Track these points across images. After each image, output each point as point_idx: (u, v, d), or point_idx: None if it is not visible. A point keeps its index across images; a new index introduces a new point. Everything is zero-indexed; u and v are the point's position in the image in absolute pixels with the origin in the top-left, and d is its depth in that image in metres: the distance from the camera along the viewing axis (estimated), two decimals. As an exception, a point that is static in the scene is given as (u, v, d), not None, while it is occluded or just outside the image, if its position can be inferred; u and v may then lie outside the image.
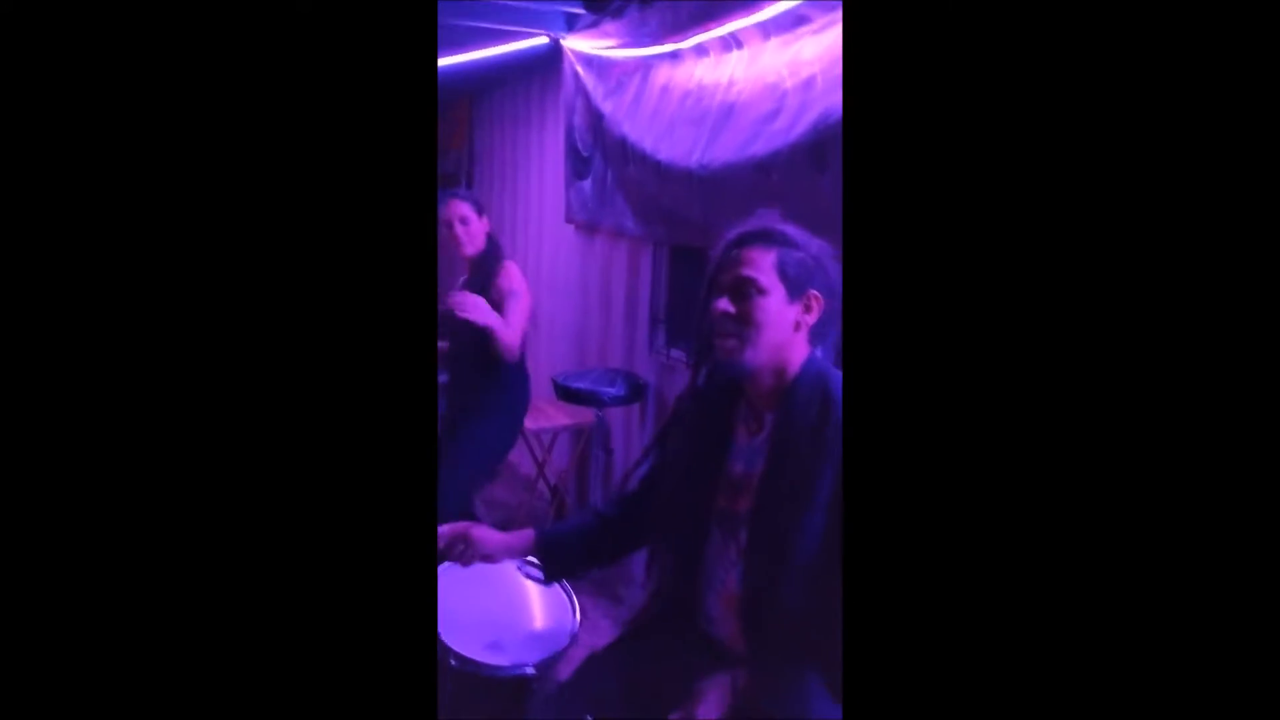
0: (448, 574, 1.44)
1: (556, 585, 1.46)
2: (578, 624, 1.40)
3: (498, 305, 2.19)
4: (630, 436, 2.81)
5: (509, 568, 1.47)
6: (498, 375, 2.30)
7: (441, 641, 1.27)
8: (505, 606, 1.43)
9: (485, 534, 1.34)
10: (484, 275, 2.26)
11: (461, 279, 2.39)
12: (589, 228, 3.10)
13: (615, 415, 2.89)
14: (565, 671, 1.31)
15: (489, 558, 1.35)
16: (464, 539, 1.32)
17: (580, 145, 3.00)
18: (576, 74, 2.98)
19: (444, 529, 1.36)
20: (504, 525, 2.75)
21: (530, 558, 1.46)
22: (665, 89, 2.41)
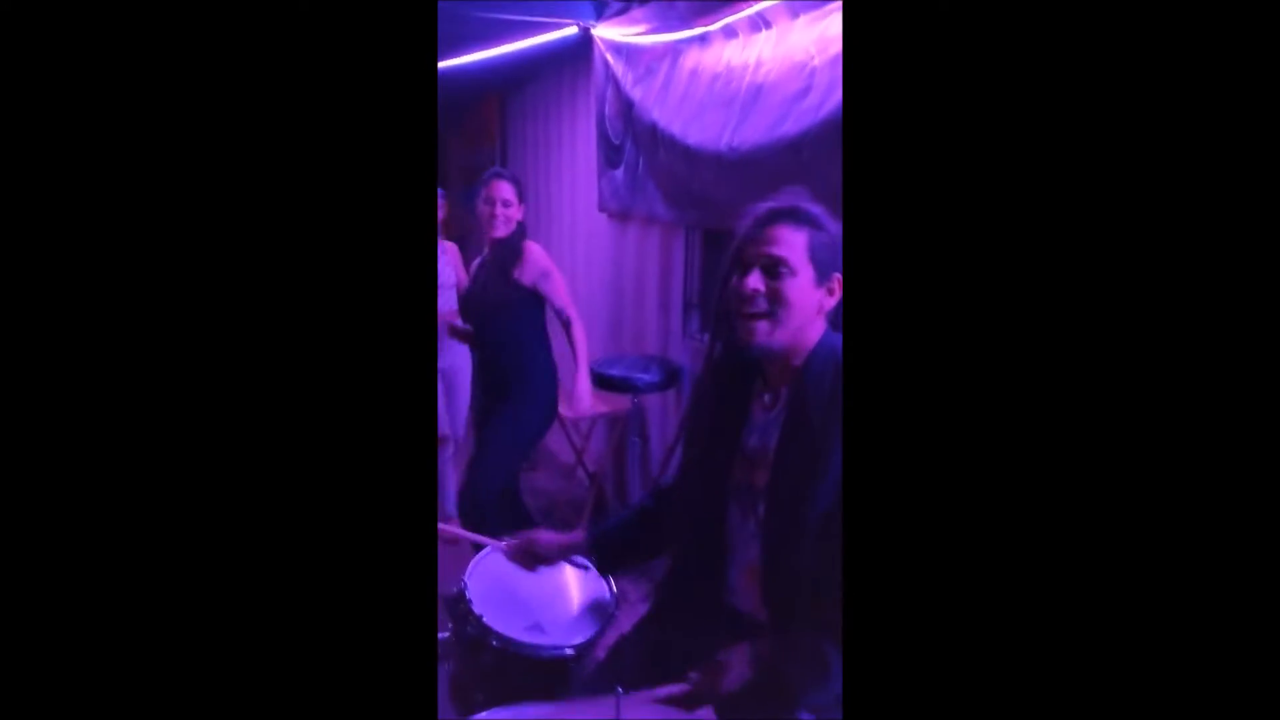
0: (489, 557, 1.47)
1: (595, 570, 1.47)
2: (615, 606, 1.42)
3: (534, 286, 2.27)
4: (666, 422, 2.82)
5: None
6: (526, 360, 2.34)
7: (482, 622, 1.29)
8: (545, 589, 1.45)
9: (547, 538, 1.39)
10: (504, 256, 2.31)
11: (479, 258, 2.44)
12: (622, 216, 3.10)
13: (651, 401, 2.89)
14: (600, 650, 1.33)
15: (548, 560, 1.40)
16: (529, 546, 1.38)
17: (611, 134, 3.00)
18: (606, 62, 2.98)
19: (510, 540, 1.42)
20: (546, 513, 2.78)
21: (580, 558, 1.47)
22: (694, 72, 2.40)
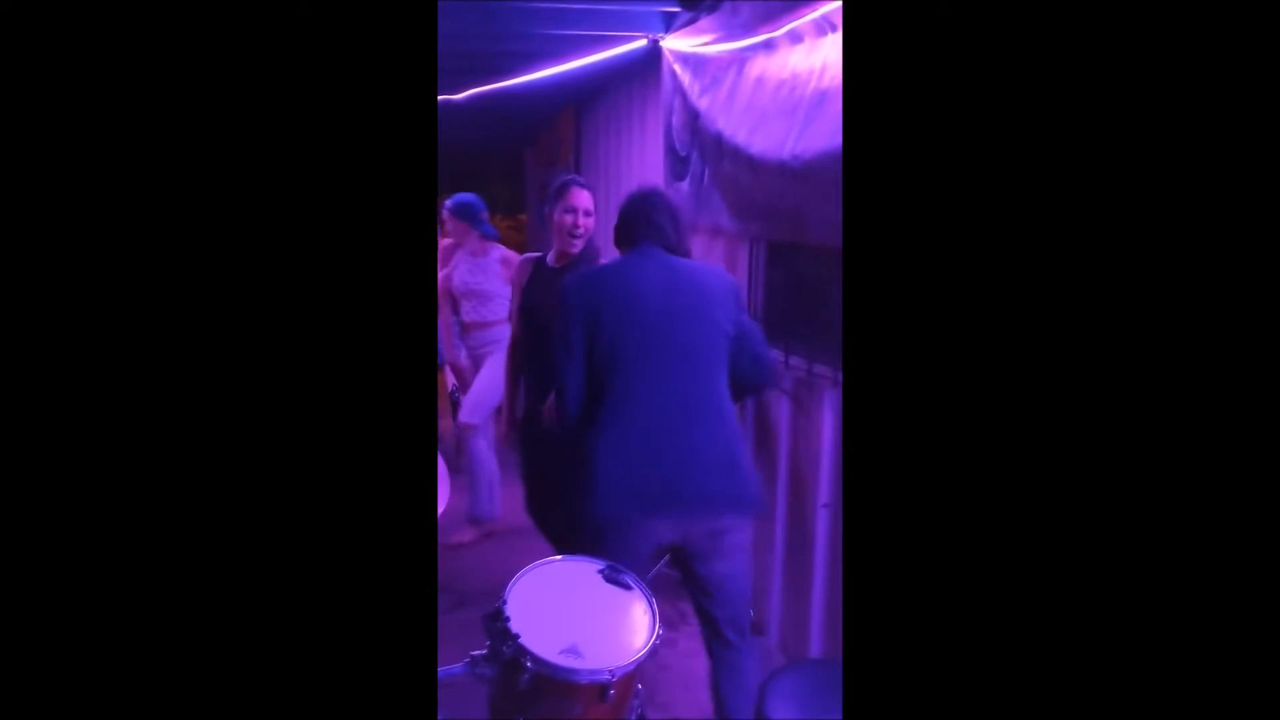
0: (530, 575, 1.44)
1: (639, 591, 1.42)
2: (659, 632, 1.36)
3: None
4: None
5: (591, 573, 1.45)
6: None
7: (519, 642, 1.26)
8: (585, 610, 1.41)
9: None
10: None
11: (539, 260, 2.38)
12: (688, 229, 3.06)
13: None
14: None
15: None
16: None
17: (678, 145, 2.97)
18: (674, 73, 2.96)
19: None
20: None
21: (613, 565, 1.43)
22: (759, 80, 2.34)
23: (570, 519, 2.33)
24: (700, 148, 2.77)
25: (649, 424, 1.57)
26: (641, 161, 3.59)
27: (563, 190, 2.26)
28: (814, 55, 2.06)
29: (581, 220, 2.22)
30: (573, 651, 1.28)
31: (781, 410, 2.38)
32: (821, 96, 1.98)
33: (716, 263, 2.87)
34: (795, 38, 2.16)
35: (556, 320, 1.67)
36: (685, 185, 2.93)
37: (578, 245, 2.25)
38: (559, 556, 1.50)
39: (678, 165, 2.99)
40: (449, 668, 1.33)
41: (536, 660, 1.24)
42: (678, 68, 2.93)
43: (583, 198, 2.24)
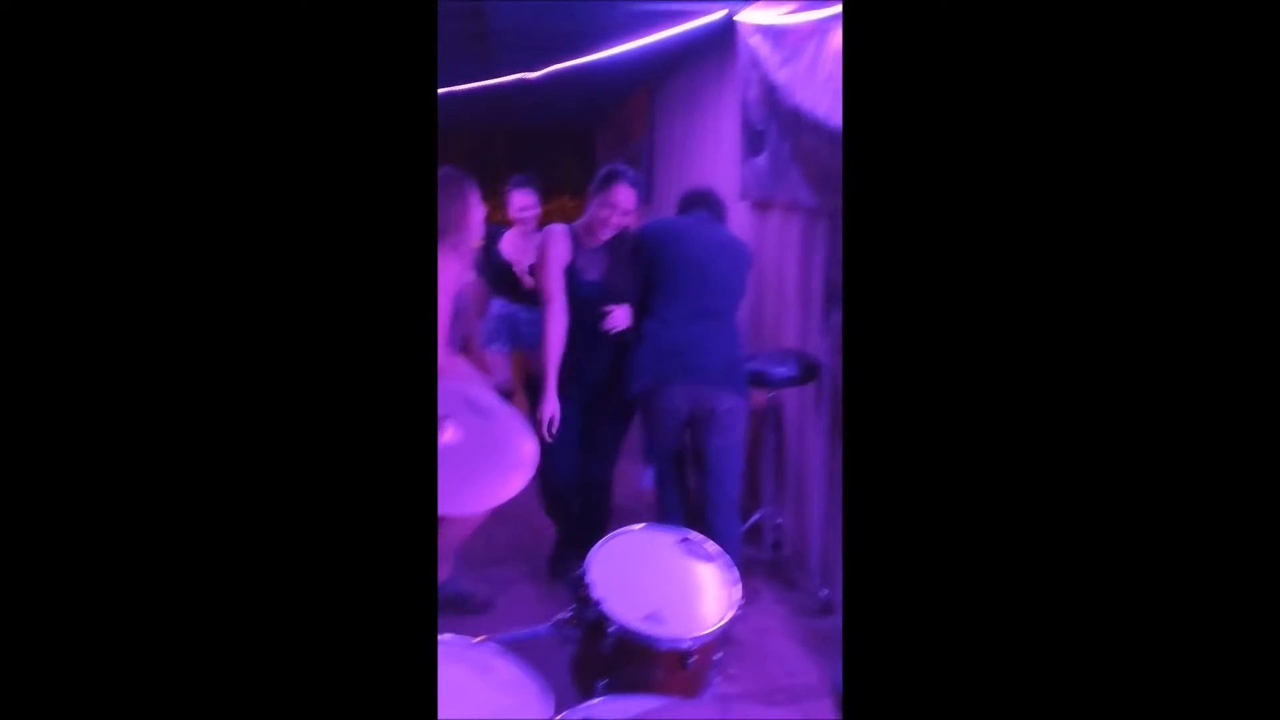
0: (615, 540, 1.47)
1: (719, 563, 1.43)
2: (740, 601, 1.37)
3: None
4: (805, 418, 2.71)
5: (671, 545, 1.47)
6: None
7: (599, 608, 1.29)
8: (668, 579, 1.43)
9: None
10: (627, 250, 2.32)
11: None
12: (764, 204, 3.01)
13: (789, 396, 2.80)
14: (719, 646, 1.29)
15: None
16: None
17: (755, 119, 2.92)
18: (750, 47, 2.90)
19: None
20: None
21: (691, 533, 1.44)
22: (840, 51, 2.28)
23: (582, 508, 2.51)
24: (778, 122, 2.72)
25: (676, 326, 2.26)
26: (716, 137, 3.55)
27: (608, 181, 2.26)
28: (901, 22, 1.99)
29: (617, 219, 2.25)
30: (655, 618, 1.30)
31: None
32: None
33: (792, 238, 2.84)
34: (882, 5, 2.09)
35: (634, 256, 2.35)
36: (762, 160, 2.89)
37: (605, 235, 2.29)
38: (638, 526, 1.52)
39: (754, 140, 2.94)
40: (534, 628, 1.37)
41: (618, 626, 1.27)
42: (754, 40, 2.88)
43: (625, 196, 2.24)
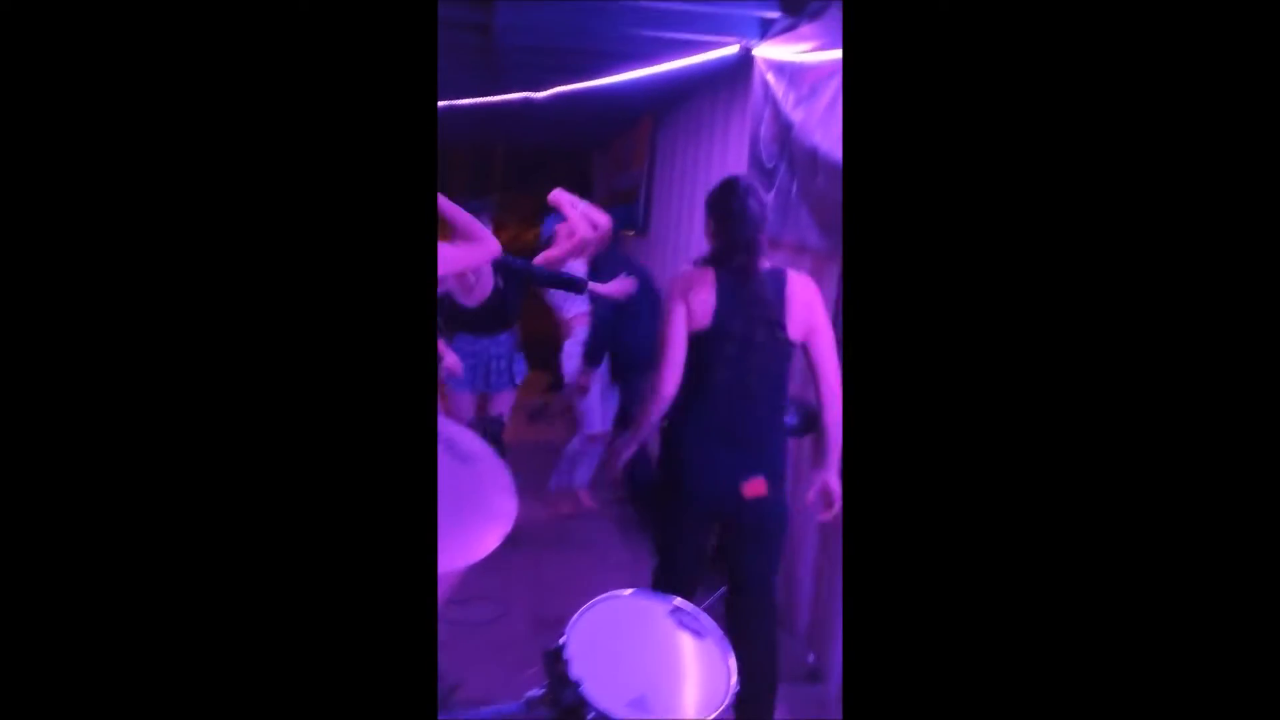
0: (591, 613, 1.32)
1: (713, 640, 1.29)
2: (736, 685, 1.22)
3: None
4: (801, 469, 2.58)
5: (662, 617, 1.33)
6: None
7: (579, 690, 1.14)
8: (655, 656, 1.28)
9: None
10: None
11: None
12: (770, 243, 2.91)
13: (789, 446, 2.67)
14: None
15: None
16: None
17: (765, 157, 2.83)
18: (766, 83, 2.82)
19: None
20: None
21: (683, 603, 1.30)
22: (865, 92, 2.19)
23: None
24: (790, 161, 2.63)
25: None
26: (722, 172, 3.46)
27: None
28: (932, 67, 1.91)
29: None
30: (640, 705, 1.15)
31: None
32: (940, 112, 1.82)
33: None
34: (911, 48, 2.01)
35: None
36: (770, 198, 2.79)
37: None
38: (626, 592, 1.38)
39: (762, 178, 2.85)
40: (500, 706, 1.22)
41: (600, 714, 1.12)
42: (770, 77, 2.80)
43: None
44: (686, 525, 1.75)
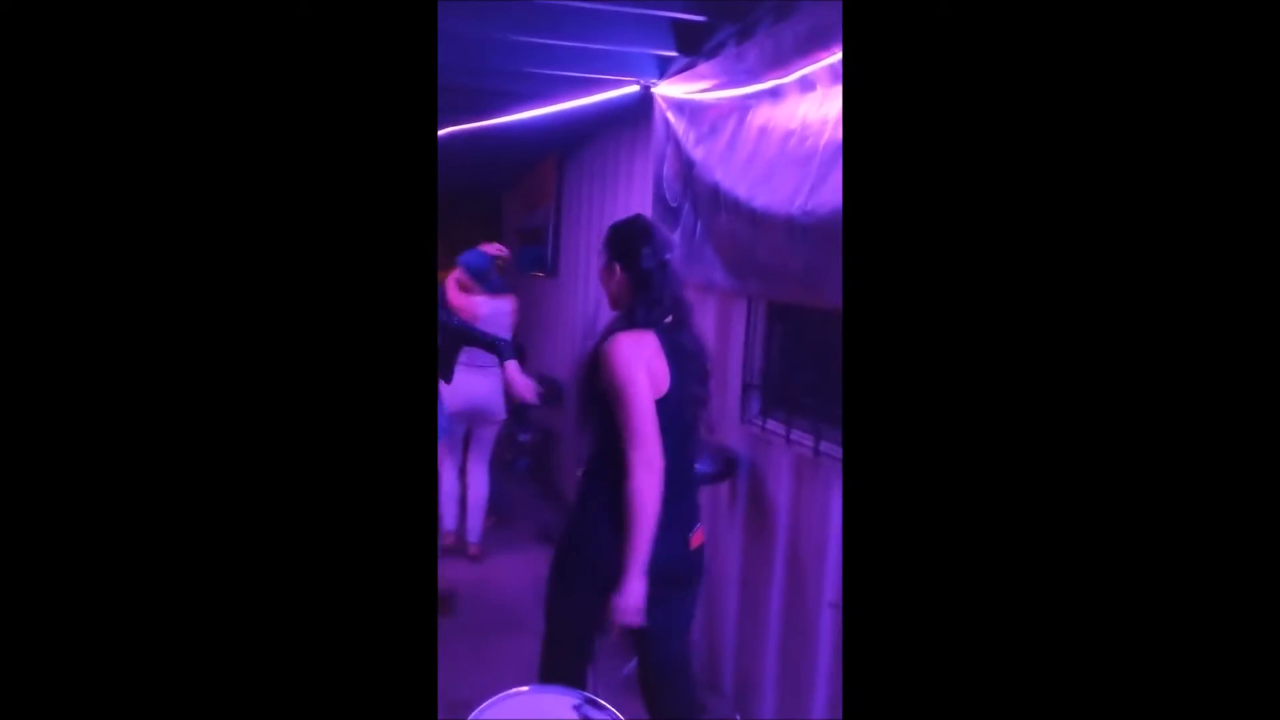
0: (492, 710, 1.17)
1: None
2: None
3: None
4: (718, 518, 2.48)
5: (566, 708, 1.18)
6: None
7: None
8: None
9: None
10: None
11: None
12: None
13: (704, 496, 2.57)
14: None
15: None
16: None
17: (669, 196, 2.78)
18: (667, 121, 2.78)
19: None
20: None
21: (592, 697, 1.17)
22: (764, 130, 2.16)
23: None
24: (693, 199, 2.58)
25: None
26: (628, 209, 3.40)
27: None
28: (828, 104, 1.89)
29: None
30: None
31: (781, 486, 2.15)
32: (837, 148, 1.80)
33: (707, 322, 2.66)
34: (807, 85, 1.99)
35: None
36: (675, 238, 2.73)
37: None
38: (525, 688, 1.23)
39: (667, 216, 2.79)
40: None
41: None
42: (671, 115, 2.76)
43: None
44: (596, 593, 1.56)
